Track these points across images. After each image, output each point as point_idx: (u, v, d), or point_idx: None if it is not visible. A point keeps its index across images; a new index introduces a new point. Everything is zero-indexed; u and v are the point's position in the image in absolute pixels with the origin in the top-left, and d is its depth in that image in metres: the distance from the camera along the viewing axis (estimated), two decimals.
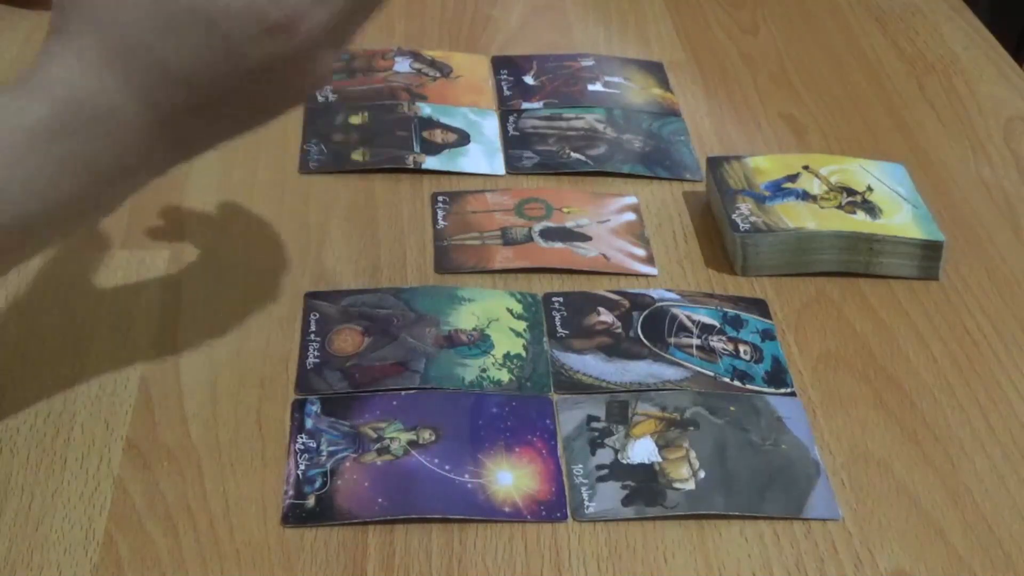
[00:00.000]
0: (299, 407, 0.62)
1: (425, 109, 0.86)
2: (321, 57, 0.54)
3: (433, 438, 0.60)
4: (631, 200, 0.79)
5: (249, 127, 0.56)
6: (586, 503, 0.58)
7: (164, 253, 0.72)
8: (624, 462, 0.60)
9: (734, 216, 0.73)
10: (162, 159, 0.55)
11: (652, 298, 0.70)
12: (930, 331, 0.70)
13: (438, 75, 0.90)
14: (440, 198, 0.78)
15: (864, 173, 0.78)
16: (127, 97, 0.51)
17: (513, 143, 0.84)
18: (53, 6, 0.52)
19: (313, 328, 0.67)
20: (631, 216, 0.77)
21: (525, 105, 0.88)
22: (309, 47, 0.53)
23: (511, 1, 1.03)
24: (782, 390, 0.65)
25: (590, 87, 0.90)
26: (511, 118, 0.86)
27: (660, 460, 0.60)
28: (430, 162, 0.81)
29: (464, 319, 0.68)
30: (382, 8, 0.58)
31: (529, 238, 0.74)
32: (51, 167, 0.51)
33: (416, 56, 0.92)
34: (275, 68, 0.53)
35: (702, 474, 0.59)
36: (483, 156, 0.83)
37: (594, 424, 0.62)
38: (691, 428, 0.62)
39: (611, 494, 0.58)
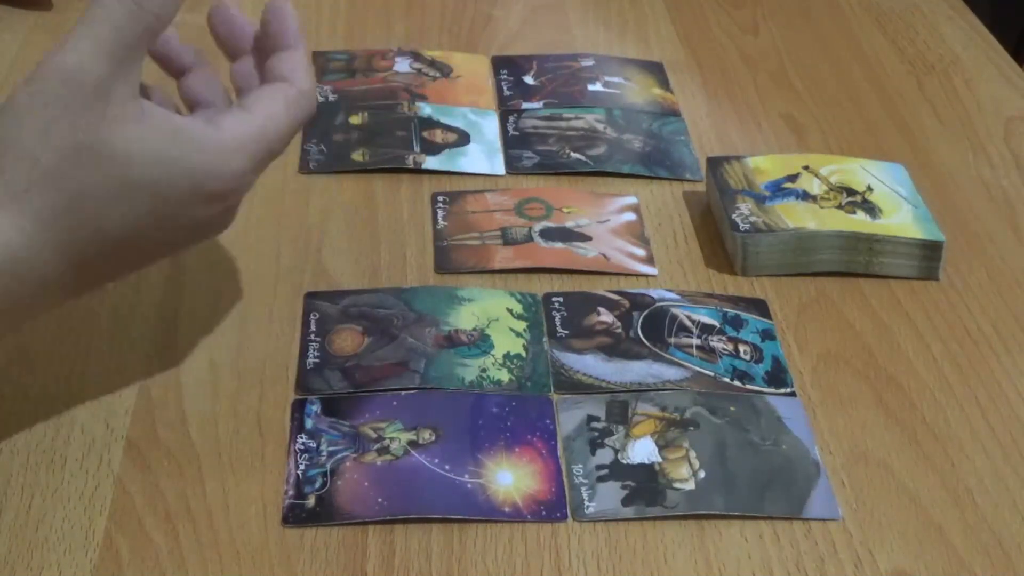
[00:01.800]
0: (299, 407, 0.62)
1: (425, 109, 0.86)
2: (237, 208, 0.59)
3: (433, 438, 0.60)
4: (631, 200, 0.79)
5: (154, 262, 0.59)
6: (586, 503, 0.58)
7: None
8: (624, 462, 0.60)
9: (734, 216, 0.73)
10: (60, 299, 0.55)
11: (652, 298, 0.70)
12: (930, 331, 0.70)
13: (438, 75, 0.90)
14: (440, 198, 0.78)
15: (864, 173, 0.78)
16: (57, 260, 0.52)
17: (513, 143, 0.84)
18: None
19: (313, 328, 0.67)
20: (631, 216, 0.77)
21: (525, 105, 0.88)
22: (235, 207, 0.59)
23: (511, 1, 1.03)
24: (782, 390, 0.65)
25: (590, 87, 0.90)
26: (511, 118, 0.86)
27: (660, 460, 0.60)
28: (430, 162, 0.81)
29: (464, 319, 0.68)
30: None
31: (529, 238, 0.74)
32: None
33: (416, 56, 0.92)
34: (201, 226, 0.57)
35: (702, 474, 0.59)
36: (483, 156, 0.83)
37: (594, 424, 0.62)
38: (691, 428, 0.62)
39: (611, 494, 0.58)
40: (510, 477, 0.59)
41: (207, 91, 0.62)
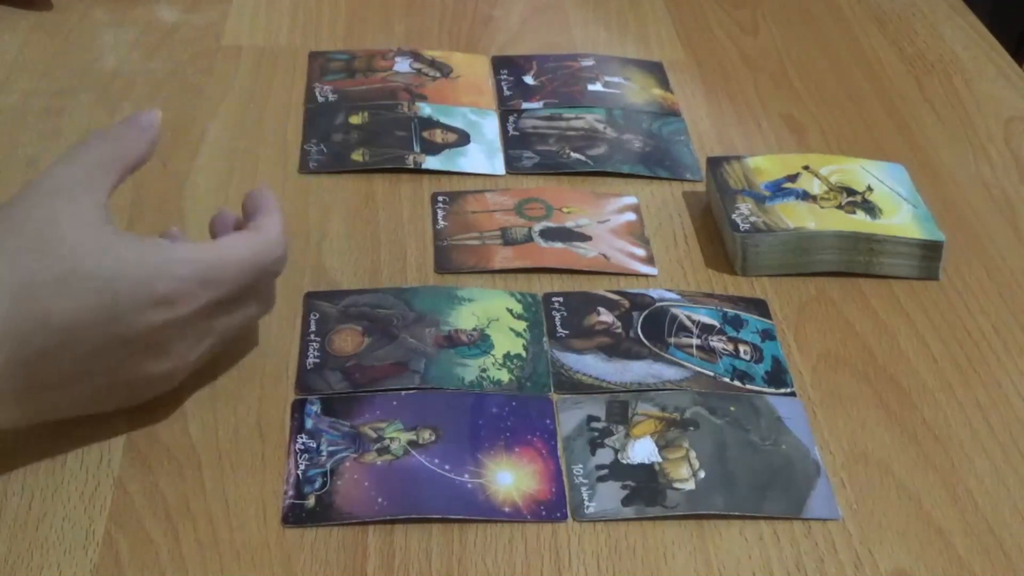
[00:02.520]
0: (299, 407, 0.62)
1: (425, 109, 0.86)
2: (186, 349, 0.58)
3: (433, 438, 0.60)
4: (631, 200, 0.79)
5: (100, 407, 0.58)
6: (586, 503, 0.58)
7: None
8: (624, 462, 0.60)
9: (734, 216, 0.73)
10: (7, 413, 0.54)
11: (652, 298, 0.70)
12: (930, 331, 0.70)
13: (438, 75, 0.90)
14: (440, 198, 0.78)
15: (864, 173, 0.78)
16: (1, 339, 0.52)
17: (513, 143, 0.84)
18: None
19: (313, 328, 0.67)
20: (631, 216, 0.77)
21: (525, 105, 0.88)
22: (183, 325, 0.57)
23: (511, 1, 1.03)
24: (782, 390, 0.65)
25: (590, 87, 0.90)
26: (511, 118, 0.86)
27: (660, 460, 0.60)
28: (430, 162, 0.81)
29: (464, 319, 0.68)
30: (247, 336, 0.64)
31: (529, 238, 0.74)
32: None
33: (416, 56, 0.92)
34: (147, 340, 0.55)
35: (702, 474, 0.59)
36: (483, 156, 0.83)
37: (594, 424, 0.62)
38: (691, 428, 0.62)
39: (611, 494, 0.58)
40: (510, 477, 0.59)
41: None
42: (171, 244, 0.57)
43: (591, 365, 0.66)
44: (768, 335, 0.68)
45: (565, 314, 0.69)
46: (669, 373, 0.65)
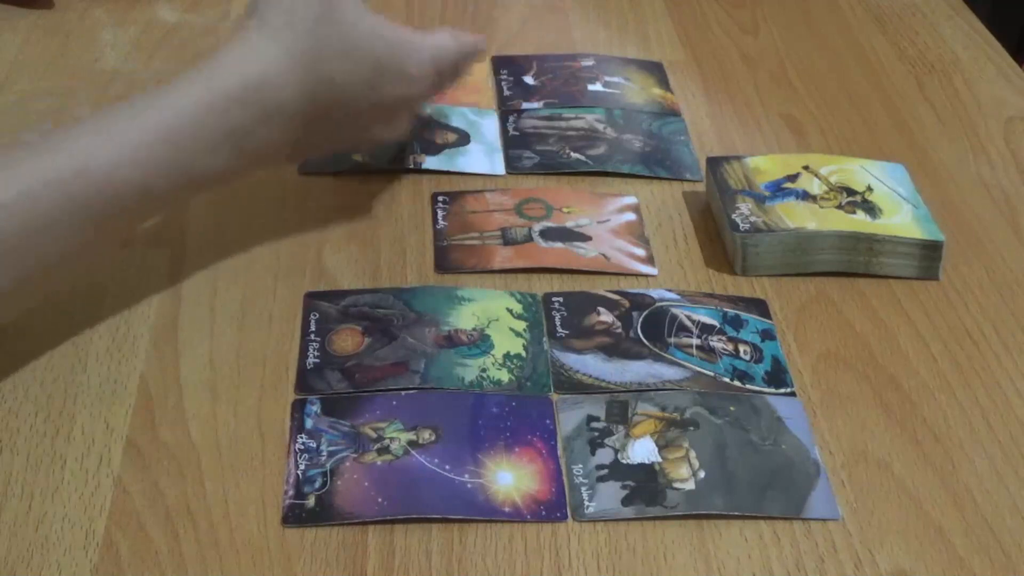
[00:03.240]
0: (299, 407, 0.62)
1: (425, 109, 0.86)
2: (411, 112, 0.74)
3: (433, 438, 0.60)
4: (631, 200, 0.79)
5: (339, 148, 0.76)
6: (586, 503, 0.58)
7: (164, 253, 0.72)
8: (624, 462, 0.60)
9: (734, 216, 0.73)
10: (279, 157, 0.69)
11: (652, 298, 0.70)
12: (930, 331, 0.70)
13: None
14: (440, 198, 0.78)
15: (864, 173, 0.78)
16: (297, 93, 0.65)
17: (513, 143, 0.84)
18: (253, 5, 0.67)
19: (313, 328, 0.67)
20: (631, 216, 0.77)
21: (525, 105, 0.88)
22: (417, 97, 0.73)
23: (511, 1, 1.03)
24: (782, 390, 0.65)
25: (590, 87, 0.90)
26: (511, 118, 0.86)
27: (660, 460, 0.60)
28: (430, 162, 0.81)
29: (464, 319, 0.68)
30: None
31: (529, 238, 0.74)
32: (216, 137, 0.63)
33: None
34: (389, 107, 0.70)
35: (702, 474, 0.59)
36: (483, 156, 0.83)
37: (594, 424, 0.62)
38: (691, 428, 0.62)
39: (611, 494, 0.58)
40: (510, 477, 0.59)
41: None
42: (413, 33, 0.70)
43: (591, 365, 0.66)
44: (768, 335, 0.68)
45: (565, 314, 0.69)
46: (669, 373, 0.65)
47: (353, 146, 0.75)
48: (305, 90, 0.65)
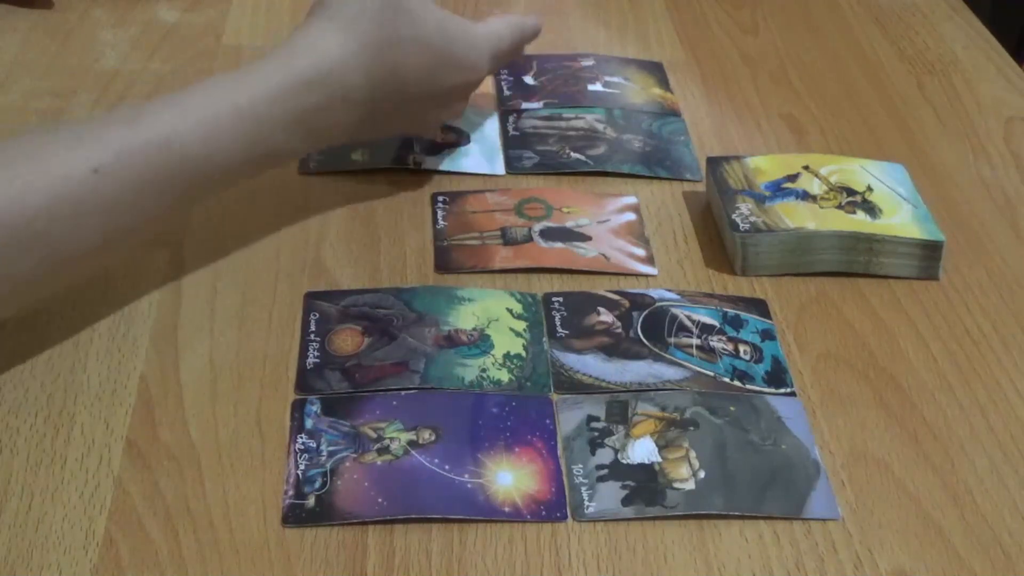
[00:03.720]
0: (299, 407, 0.62)
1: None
2: (459, 107, 0.78)
3: (433, 438, 0.60)
4: (631, 200, 0.79)
5: (398, 132, 0.78)
6: (586, 503, 0.58)
7: (164, 253, 0.72)
8: (624, 462, 0.60)
9: (734, 216, 0.73)
10: (343, 138, 0.72)
11: (652, 298, 0.70)
12: (930, 331, 0.70)
13: None
14: (440, 198, 0.78)
15: (864, 173, 0.78)
16: (364, 79, 0.69)
17: (513, 143, 0.84)
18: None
19: (313, 328, 0.67)
20: (631, 216, 0.77)
21: (525, 105, 0.88)
22: (474, 84, 0.76)
23: (511, 1, 1.03)
24: (782, 390, 0.65)
25: (590, 87, 0.90)
26: (511, 118, 0.86)
27: (660, 460, 0.60)
28: (430, 162, 0.81)
29: (464, 319, 0.68)
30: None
31: (529, 238, 0.74)
32: (289, 118, 0.66)
33: None
34: (448, 95, 0.74)
35: (702, 474, 0.59)
36: (483, 156, 0.82)
37: (594, 424, 0.62)
38: (691, 428, 0.62)
39: (611, 494, 0.58)
40: (510, 477, 0.59)
41: None
42: (472, 24, 0.74)
43: (591, 365, 0.66)
44: (768, 335, 0.68)
45: (565, 314, 0.69)
46: (669, 373, 0.65)
47: (411, 129, 0.78)
48: (371, 76, 0.69)
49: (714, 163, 0.78)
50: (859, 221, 0.73)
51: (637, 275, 0.73)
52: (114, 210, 0.61)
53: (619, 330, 0.68)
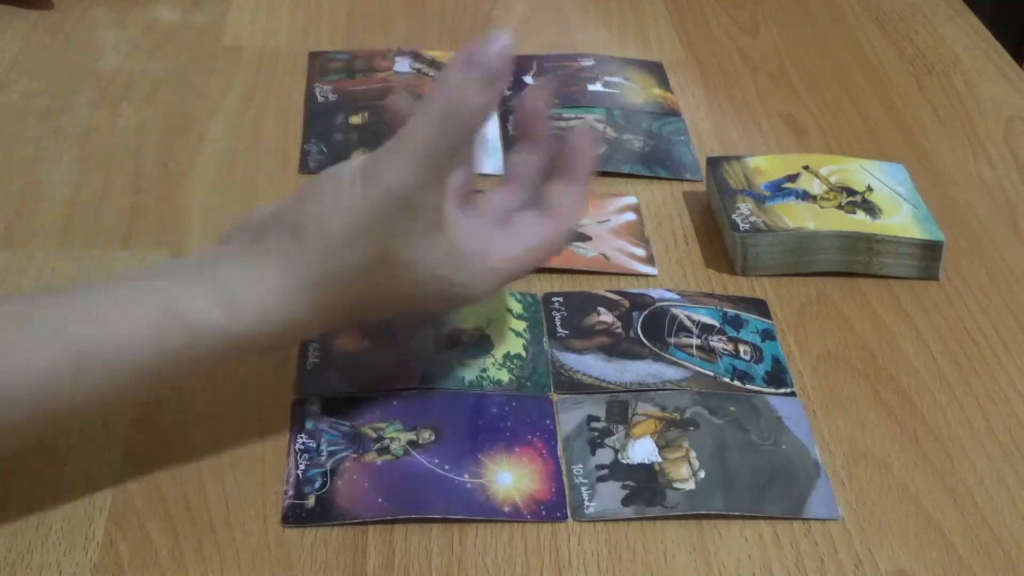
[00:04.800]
0: (299, 407, 0.62)
1: None
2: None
3: (433, 438, 0.60)
4: (631, 200, 0.79)
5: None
6: (586, 503, 0.58)
7: (164, 253, 0.72)
8: (624, 462, 0.60)
9: (734, 216, 0.73)
10: (282, 346, 0.60)
11: (652, 298, 0.70)
12: (930, 331, 0.70)
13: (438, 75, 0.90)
14: None
15: (864, 173, 0.78)
16: (312, 318, 0.55)
17: (513, 143, 0.84)
18: (277, 221, 0.55)
19: None
20: (631, 216, 0.77)
21: None
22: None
23: (511, 1, 1.03)
24: (782, 390, 0.65)
25: (590, 87, 0.90)
26: (511, 118, 0.86)
27: (660, 460, 0.60)
28: None
29: (464, 319, 0.68)
30: None
31: None
32: (208, 357, 0.54)
33: (416, 56, 0.92)
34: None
35: (702, 474, 0.59)
36: (483, 156, 0.82)
37: (594, 424, 0.62)
38: (691, 428, 0.62)
39: (611, 494, 0.58)
40: (510, 477, 0.59)
41: (511, 201, 0.63)
42: (483, 257, 0.58)
43: (591, 365, 0.66)
44: (768, 335, 0.68)
45: (565, 314, 0.69)
46: (669, 373, 0.65)
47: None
48: (325, 324, 0.58)
49: (714, 163, 0.78)
50: (859, 221, 0.73)
51: (637, 275, 0.73)
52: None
53: (619, 330, 0.68)
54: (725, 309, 0.70)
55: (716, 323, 0.69)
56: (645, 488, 0.59)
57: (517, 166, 0.64)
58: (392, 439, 0.60)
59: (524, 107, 0.64)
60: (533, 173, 0.63)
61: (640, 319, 0.69)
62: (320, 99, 0.87)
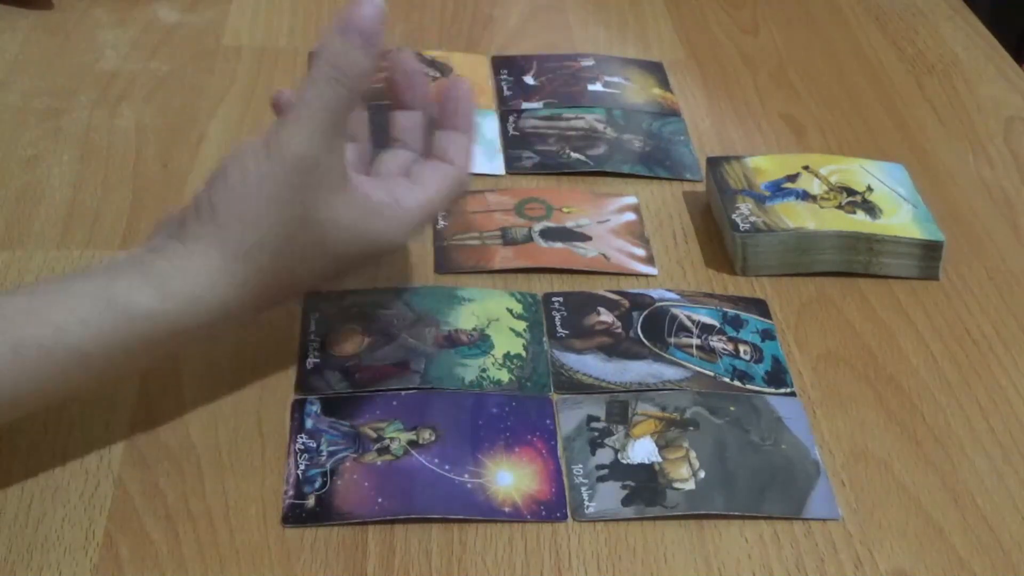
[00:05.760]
0: (299, 407, 0.62)
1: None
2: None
3: (433, 438, 0.60)
4: (631, 200, 0.79)
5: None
6: (586, 503, 0.58)
7: None
8: (624, 462, 0.60)
9: (734, 216, 0.73)
10: (222, 326, 0.59)
11: (652, 298, 0.70)
12: (930, 331, 0.70)
13: (438, 75, 0.90)
14: None
15: (864, 173, 0.78)
16: (248, 295, 0.58)
17: (513, 143, 0.84)
18: (194, 209, 0.58)
19: (313, 328, 0.67)
20: (631, 216, 0.77)
21: (525, 105, 0.88)
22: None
23: (511, 1, 1.03)
24: (782, 390, 0.65)
25: (590, 87, 0.90)
26: (511, 118, 0.86)
27: (660, 460, 0.60)
28: None
29: (464, 319, 0.68)
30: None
31: (529, 238, 0.74)
32: (148, 344, 0.56)
33: (416, 56, 0.92)
34: (348, 273, 0.64)
35: (702, 474, 0.59)
36: (483, 156, 0.82)
37: (594, 424, 0.62)
38: (691, 428, 0.62)
39: (611, 494, 0.58)
40: (510, 477, 0.59)
41: (404, 158, 0.67)
42: (393, 206, 0.61)
43: (591, 365, 0.66)
44: (768, 335, 0.68)
45: (565, 314, 0.69)
46: (669, 373, 0.65)
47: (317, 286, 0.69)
48: (256, 295, 0.59)
49: (714, 163, 0.78)
50: (859, 221, 0.73)
51: (637, 275, 0.73)
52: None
53: (619, 330, 0.68)
54: (725, 309, 0.70)
55: (716, 323, 0.69)
56: (645, 488, 0.59)
57: (401, 124, 0.67)
58: (392, 439, 0.60)
59: (395, 68, 0.67)
60: (418, 130, 0.67)
61: (640, 319, 0.69)
62: None
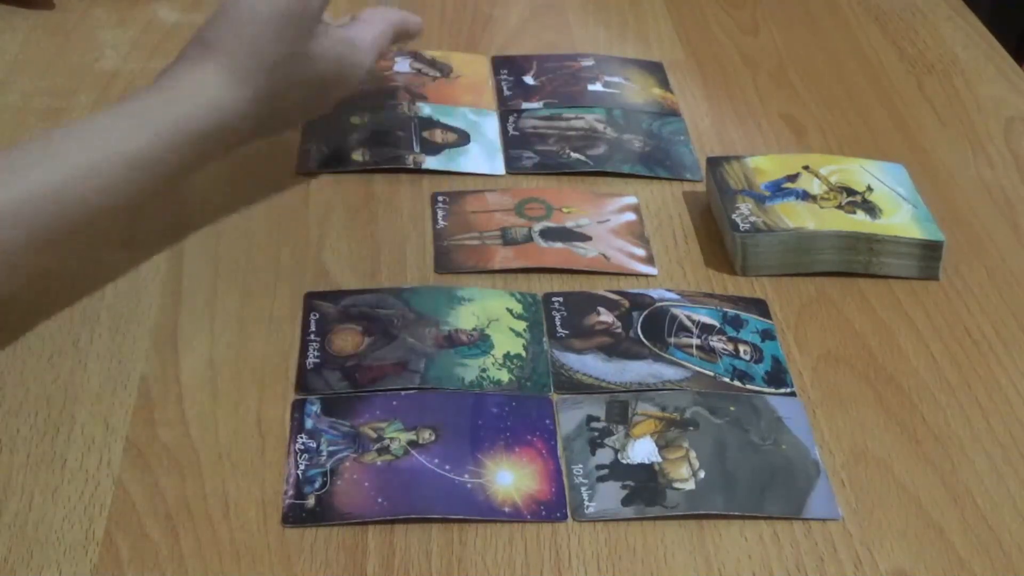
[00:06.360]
0: (299, 407, 0.62)
1: (425, 109, 0.86)
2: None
3: (433, 438, 0.60)
4: (631, 200, 0.79)
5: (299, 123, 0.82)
6: (586, 503, 0.58)
7: (164, 253, 0.72)
8: (624, 462, 0.60)
9: (734, 216, 0.73)
10: (239, 147, 0.72)
11: (652, 298, 0.70)
12: (930, 331, 0.70)
13: (438, 75, 0.90)
14: (440, 198, 0.78)
15: (864, 173, 0.78)
16: (254, 125, 0.70)
17: (513, 143, 0.84)
18: (199, 44, 0.69)
19: (313, 328, 0.67)
20: (631, 216, 0.77)
21: (525, 105, 0.88)
22: (361, 83, 0.78)
23: (511, 1, 1.03)
24: (782, 390, 0.65)
25: (590, 87, 0.90)
26: (511, 118, 0.86)
27: (660, 460, 0.60)
28: (430, 162, 0.81)
29: (464, 319, 0.68)
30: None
31: (529, 238, 0.74)
32: (173, 169, 0.67)
33: (416, 56, 0.92)
34: (337, 97, 0.77)
35: (702, 474, 0.59)
36: (483, 156, 0.82)
37: (594, 424, 0.62)
38: (691, 428, 0.62)
39: (611, 494, 0.58)
40: (510, 477, 0.59)
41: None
42: (357, 36, 0.76)
43: (591, 365, 0.66)
44: (768, 335, 0.68)
45: (565, 314, 0.69)
46: (669, 373, 0.65)
47: (291, 126, 0.81)
48: (262, 121, 0.71)
49: (714, 163, 0.78)
50: (859, 221, 0.73)
51: (637, 275, 0.73)
52: (6, 265, 0.60)
53: (619, 330, 0.68)
54: (725, 309, 0.70)
55: (716, 323, 0.69)
56: (645, 488, 0.59)
57: None
58: (392, 439, 0.60)
59: None
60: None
61: (640, 319, 0.69)
62: None
